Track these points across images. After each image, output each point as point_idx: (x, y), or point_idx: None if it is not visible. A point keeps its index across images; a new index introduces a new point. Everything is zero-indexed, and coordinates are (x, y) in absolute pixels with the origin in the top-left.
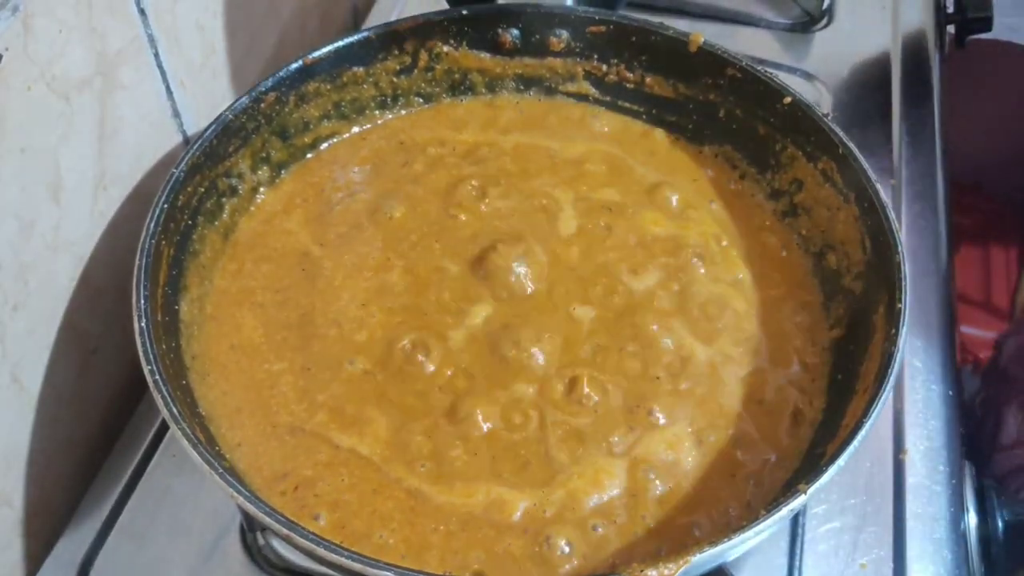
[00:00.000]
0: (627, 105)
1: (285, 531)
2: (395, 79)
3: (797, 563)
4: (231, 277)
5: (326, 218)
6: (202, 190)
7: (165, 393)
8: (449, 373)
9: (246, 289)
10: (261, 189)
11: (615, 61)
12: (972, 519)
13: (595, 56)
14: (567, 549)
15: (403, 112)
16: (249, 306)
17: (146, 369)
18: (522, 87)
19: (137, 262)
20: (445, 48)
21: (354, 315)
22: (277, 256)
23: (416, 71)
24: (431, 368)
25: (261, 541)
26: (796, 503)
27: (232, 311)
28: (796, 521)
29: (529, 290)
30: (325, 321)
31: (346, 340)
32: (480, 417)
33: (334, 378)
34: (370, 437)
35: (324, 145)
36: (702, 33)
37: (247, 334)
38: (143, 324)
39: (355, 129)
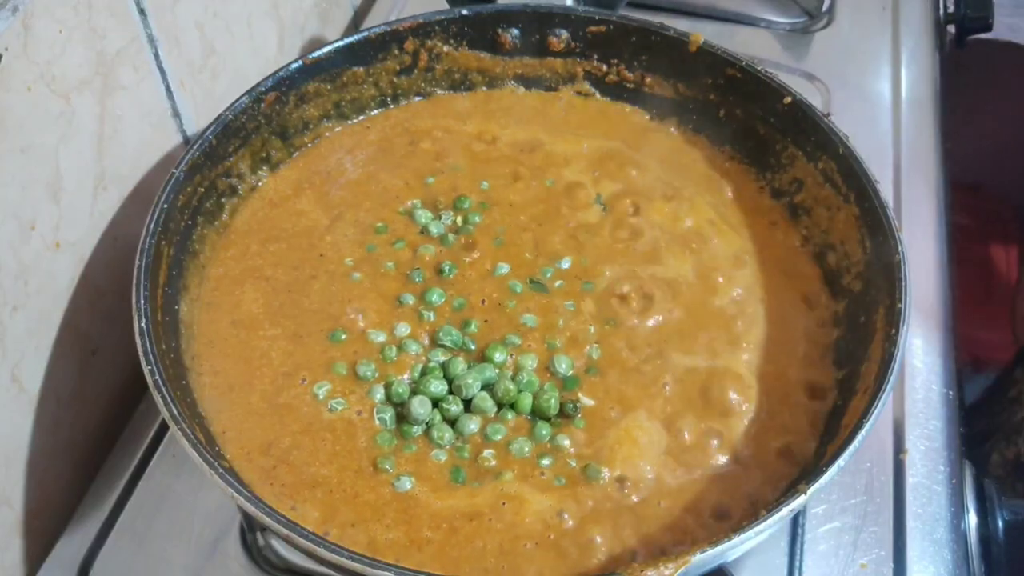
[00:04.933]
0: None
1: (285, 531)
2: (395, 79)
3: (797, 563)
4: (231, 262)
5: (331, 194)
6: (202, 190)
7: (165, 393)
8: None
9: (251, 267)
10: (263, 180)
11: (615, 61)
12: (972, 519)
13: (595, 56)
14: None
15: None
16: (253, 280)
17: (146, 369)
18: (522, 87)
19: (137, 262)
20: (445, 48)
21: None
22: (287, 236)
23: (416, 71)
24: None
25: (261, 541)
26: (796, 503)
27: (233, 288)
28: (796, 521)
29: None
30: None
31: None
32: None
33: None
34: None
35: (327, 134)
36: (702, 33)
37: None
38: (143, 324)
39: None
